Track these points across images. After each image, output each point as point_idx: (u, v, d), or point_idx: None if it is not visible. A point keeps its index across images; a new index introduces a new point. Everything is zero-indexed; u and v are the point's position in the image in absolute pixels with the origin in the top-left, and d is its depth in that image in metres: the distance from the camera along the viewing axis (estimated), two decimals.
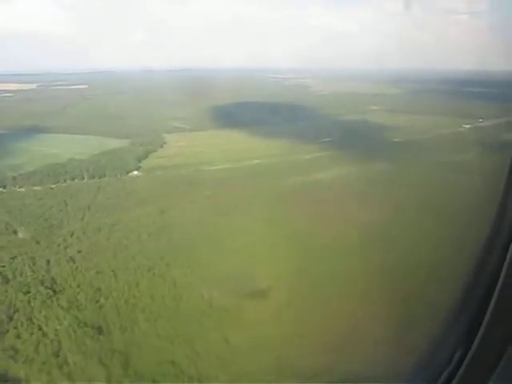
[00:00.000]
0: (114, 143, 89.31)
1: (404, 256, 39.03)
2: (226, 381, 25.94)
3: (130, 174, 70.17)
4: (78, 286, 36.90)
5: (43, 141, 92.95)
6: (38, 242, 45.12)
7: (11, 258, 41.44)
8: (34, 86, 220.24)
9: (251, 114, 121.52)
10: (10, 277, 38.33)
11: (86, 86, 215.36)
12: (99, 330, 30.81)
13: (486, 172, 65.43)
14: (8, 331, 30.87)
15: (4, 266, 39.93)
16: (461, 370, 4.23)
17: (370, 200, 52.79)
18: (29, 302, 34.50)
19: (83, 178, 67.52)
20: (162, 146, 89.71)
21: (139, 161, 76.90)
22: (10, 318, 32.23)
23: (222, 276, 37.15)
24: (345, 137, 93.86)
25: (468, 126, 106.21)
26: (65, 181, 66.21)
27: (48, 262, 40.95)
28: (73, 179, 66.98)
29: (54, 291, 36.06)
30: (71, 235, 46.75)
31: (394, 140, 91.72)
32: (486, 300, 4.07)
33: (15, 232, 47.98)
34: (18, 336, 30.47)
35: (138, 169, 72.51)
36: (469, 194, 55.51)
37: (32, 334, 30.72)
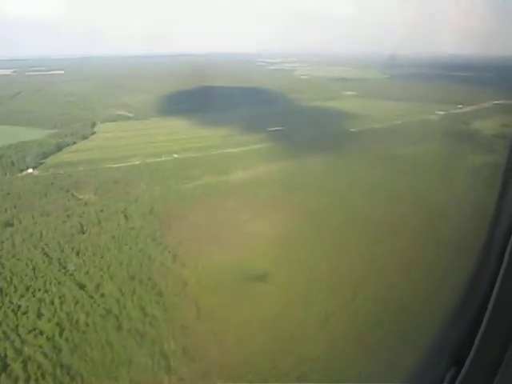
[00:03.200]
0: (33, 134, 79.30)
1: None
2: None
3: (22, 173, 59.84)
4: None
5: None
6: None
7: None
8: (9, 71, 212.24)
9: (211, 100, 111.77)
10: None
11: (62, 72, 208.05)
12: None
13: (435, 167, 55.74)
14: None
15: None
16: (462, 371, 4.09)
17: (272, 210, 43.00)
18: None
19: None
20: (85, 138, 79.70)
21: (45, 156, 66.65)
22: None
23: None
24: (298, 126, 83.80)
25: (442, 113, 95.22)
26: None
27: None
28: None
29: None
30: None
31: (350, 130, 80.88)
32: (485, 300, 3.97)
33: None
34: None
35: (36, 166, 62.26)
36: (403, 196, 45.74)
37: None
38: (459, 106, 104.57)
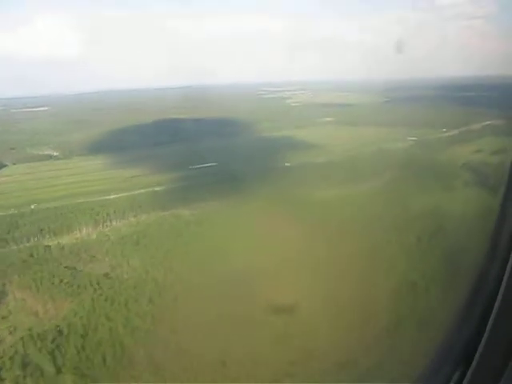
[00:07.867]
0: None
1: None
2: None
3: None
4: None
5: None
6: None
7: None
8: None
9: (164, 134, 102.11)
10: None
11: (46, 108, 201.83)
12: None
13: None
14: None
15: None
16: (469, 371, 4.01)
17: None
18: None
19: None
20: None
21: None
22: None
23: None
24: (233, 161, 69.52)
25: (414, 139, 79.95)
26: None
27: None
28: None
29: None
30: None
31: (285, 165, 65.34)
32: (491, 300, 3.92)
33: None
34: None
35: None
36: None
37: None
38: (443, 130, 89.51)
